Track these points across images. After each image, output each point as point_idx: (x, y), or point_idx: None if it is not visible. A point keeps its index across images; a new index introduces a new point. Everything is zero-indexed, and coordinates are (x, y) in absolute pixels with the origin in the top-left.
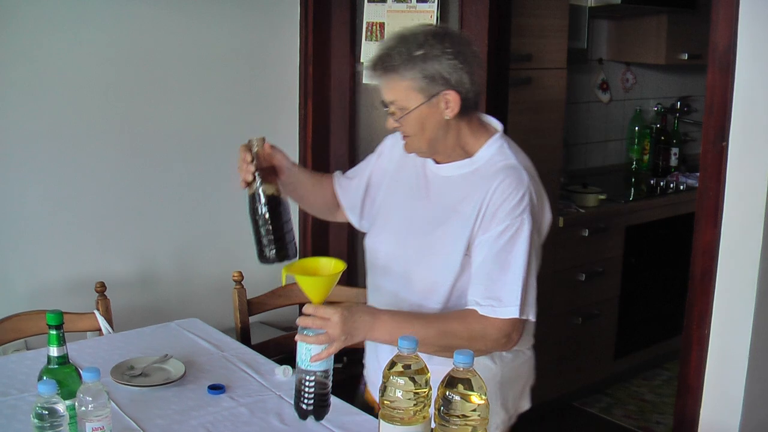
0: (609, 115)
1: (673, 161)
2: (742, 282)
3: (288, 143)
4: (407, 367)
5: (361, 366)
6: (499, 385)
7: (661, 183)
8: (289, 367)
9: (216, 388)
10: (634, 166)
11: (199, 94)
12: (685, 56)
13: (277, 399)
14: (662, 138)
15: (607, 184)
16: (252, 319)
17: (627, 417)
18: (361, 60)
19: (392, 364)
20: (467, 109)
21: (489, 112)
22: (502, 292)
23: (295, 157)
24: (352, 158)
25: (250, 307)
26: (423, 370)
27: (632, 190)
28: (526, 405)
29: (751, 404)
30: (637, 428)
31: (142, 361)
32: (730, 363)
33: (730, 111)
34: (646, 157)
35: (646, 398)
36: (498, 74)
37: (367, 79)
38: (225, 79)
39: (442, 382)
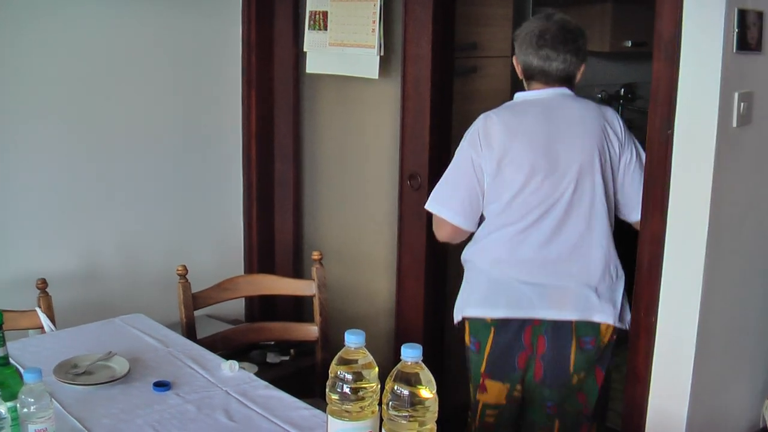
0: None
1: None
2: (689, 270)
3: (231, 133)
4: (354, 362)
5: (311, 358)
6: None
7: None
8: (236, 362)
9: (162, 385)
10: None
11: (140, 86)
12: (630, 44)
13: (224, 395)
14: None
15: None
16: (197, 313)
17: None
18: (305, 49)
19: (339, 359)
20: (528, 76)
21: (435, 101)
22: None
23: (238, 147)
24: (297, 148)
25: (196, 301)
26: (371, 365)
27: None
28: (457, 314)
29: (698, 391)
30: None
31: (85, 359)
32: (678, 351)
33: (675, 100)
34: None
35: None
36: (443, 63)
37: (311, 68)
38: (166, 70)
39: (390, 376)
